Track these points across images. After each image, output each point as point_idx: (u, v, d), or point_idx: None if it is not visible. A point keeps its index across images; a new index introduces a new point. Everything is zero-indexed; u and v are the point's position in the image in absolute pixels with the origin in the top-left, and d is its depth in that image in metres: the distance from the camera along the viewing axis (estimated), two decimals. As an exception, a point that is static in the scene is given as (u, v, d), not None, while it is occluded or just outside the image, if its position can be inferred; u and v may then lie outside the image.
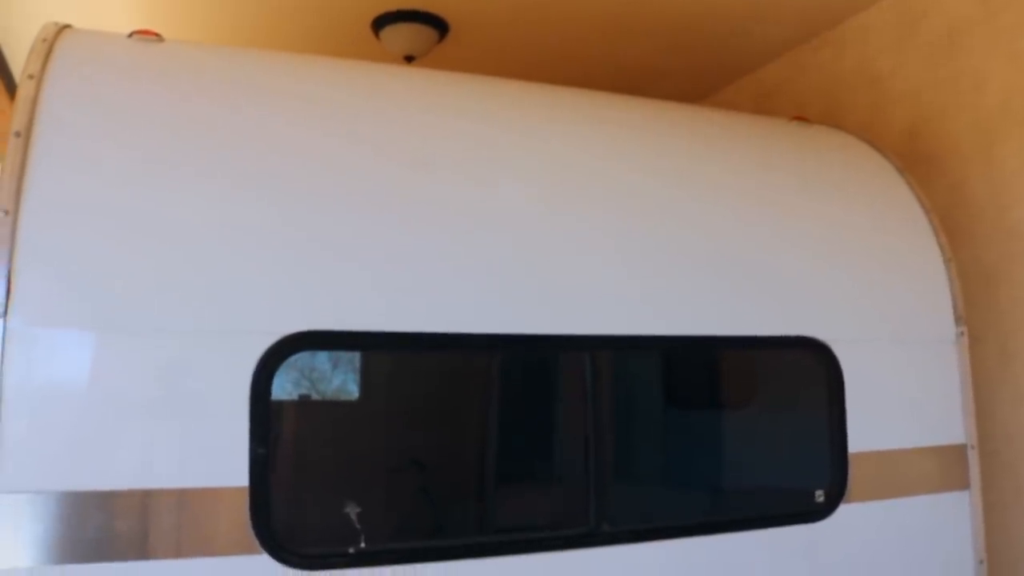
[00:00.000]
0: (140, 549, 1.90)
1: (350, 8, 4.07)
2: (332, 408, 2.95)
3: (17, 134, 1.98)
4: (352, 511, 2.16)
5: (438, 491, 2.63)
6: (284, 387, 2.17)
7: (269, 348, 2.04)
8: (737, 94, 4.92)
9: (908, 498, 2.82)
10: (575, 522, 2.44)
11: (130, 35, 2.44)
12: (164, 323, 1.99)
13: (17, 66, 4.51)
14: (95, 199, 2.03)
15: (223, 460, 1.98)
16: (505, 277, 2.39)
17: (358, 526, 2.13)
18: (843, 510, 2.69)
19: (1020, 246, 3.28)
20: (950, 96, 3.59)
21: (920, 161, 3.61)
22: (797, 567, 2.63)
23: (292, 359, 2.11)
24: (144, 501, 1.91)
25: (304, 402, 2.69)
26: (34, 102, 2.05)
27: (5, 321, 1.85)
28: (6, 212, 1.90)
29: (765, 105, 4.62)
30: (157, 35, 2.45)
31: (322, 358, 2.67)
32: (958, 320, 3.02)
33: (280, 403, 2.17)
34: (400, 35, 4.18)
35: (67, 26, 2.36)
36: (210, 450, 1.99)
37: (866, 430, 2.75)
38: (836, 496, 2.69)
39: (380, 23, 4.17)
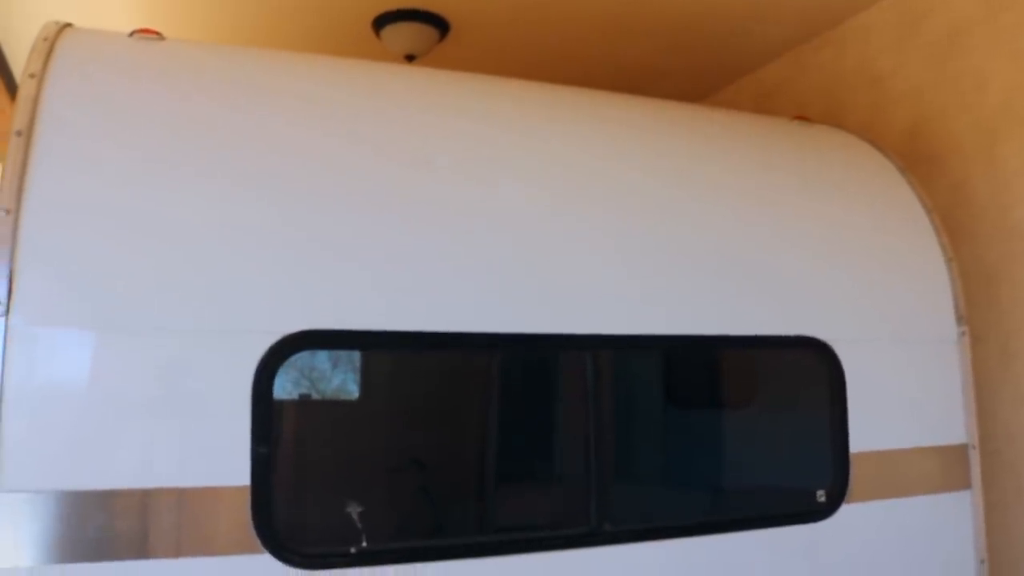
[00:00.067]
0: (140, 548, 1.90)
1: (351, 7, 4.07)
2: (332, 408, 2.95)
3: (19, 133, 1.98)
4: (354, 510, 2.16)
5: (440, 490, 2.63)
6: (285, 387, 2.17)
7: (271, 347, 2.04)
8: (737, 94, 4.91)
9: (909, 498, 2.81)
10: (576, 521, 2.44)
11: (131, 34, 2.44)
12: (165, 322, 1.99)
13: (17, 66, 4.51)
14: (96, 198, 2.03)
15: (223, 460, 1.98)
16: (505, 276, 2.39)
17: (360, 525, 2.13)
18: (844, 510, 2.68)
19: (1021, 246, 3.28)
20: (951, 96, 3.58)
21: (921, 161, 3.61)
22: (798, 567, 2.62)
23: (292, 359, 2.11)
24: (144, 500, 1.91)
25: (305, 401, 2.70)
26: (35, 101, 2.05)
27: (7, 320, 1.85)
28: (7, 211, 1.90)
29: (765, 105, 4.61)
30: (158, 34, 2.45)
31: (322, 358, 2.68)
32: (959, 320, 3.02)
33: (281, 402, 2.16)
34: (401, 34, 4.18)
35: (68, 25, 2.36)
36: (210, 450, 1.99)
37: (867, 430, 2.75)
38: (837, 496, 2.69)
39: (381, 22, 4.17)
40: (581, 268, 2.48)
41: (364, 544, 2.10)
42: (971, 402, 2.98)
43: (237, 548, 1.97)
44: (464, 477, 2.75)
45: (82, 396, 1.92)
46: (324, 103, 2.48)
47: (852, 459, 2.71)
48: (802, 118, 3.51)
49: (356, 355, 2.87)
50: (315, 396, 2.76)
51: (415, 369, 2.81)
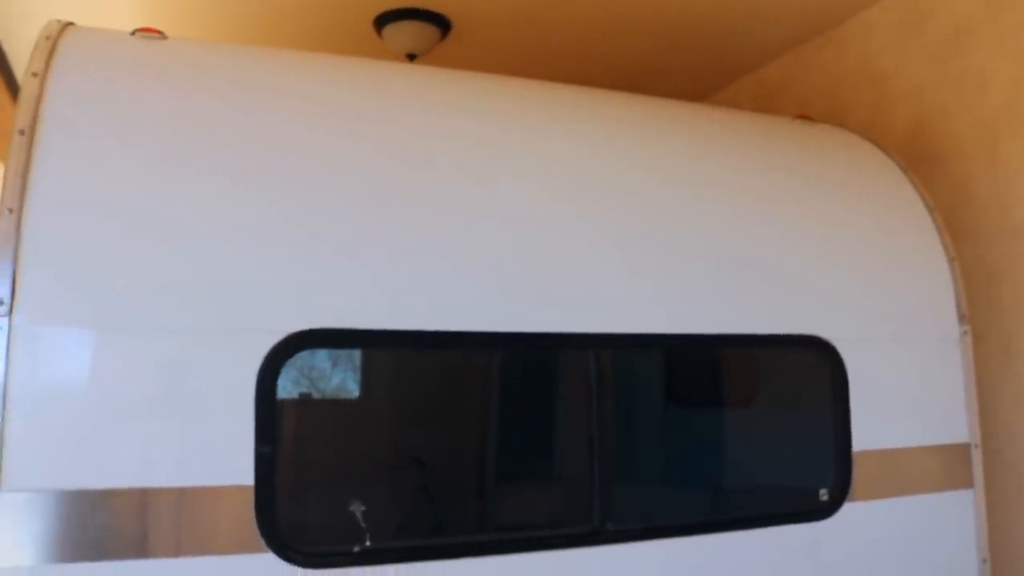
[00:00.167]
0: (140, 548, 1.90)
1: (352, 6, 4.07)
2: (333, 407, 2.96)
3: (21, 132, 1.98)
4: (357, 509, 2.15)
5: (442, 489, 2.62)
6: (285, 386, 2.16)
7: (274, 347, 2.04)
8: (738, 94, 4.91)
9: (912, 497, 2.81)
10: (578, 520, 2.44)
11: (133, 33, 2.43)
12: (166, 322, 1.99)
13: (18, 66, 4.51)
14: (99, 197, 2.03)
15: (224, 459, 1.98)
16: (507, 275, 2.38)
17: (363, 524, 2.13)
18: (847, 509, 2.68)
19: (1023, 245, 3.28)
20: (954, 95, 3.58)
21: (923, 160, 3.60)
22: (801, 566, 2.62)
23: (294, 358, 2.11)
24: (144, 500, 1.91)
25: (306, 401, 2.70)
26: (38, 100, 2.05)
27: (10, 319, 1.84)
28: (11, 210, 1.89)
29: (767, 105, 4.61)
30: (160, 33, 2.45)
31: (322, 357, 2.68)
32: (961, 319, 3.02)
33: (283, 402, 2.16)
34: (402, 33, 4.18)
35: (70, 24, 2.36)
36: (211, 449, 1.99)
37: (870, 429, 2.75)
38: (840, 495, 2.69)
39: (382, 21, 4.17)
40: (583, 267, 2.48)
41: (367, 543, 2.10)
42: (973, 401, 2.98)
43: (239, 547, 1.97)
44: (466, 476, 2.74)
45: (84, 395, 1.92)
46: (326, 102, 2.48)
47: (854, 458, 2.71)
48: (804, 117, 3.51)
49: (356, 354, 2.87)
50: (315, 395, 2.76)
51: (416, 368, 2.81)
